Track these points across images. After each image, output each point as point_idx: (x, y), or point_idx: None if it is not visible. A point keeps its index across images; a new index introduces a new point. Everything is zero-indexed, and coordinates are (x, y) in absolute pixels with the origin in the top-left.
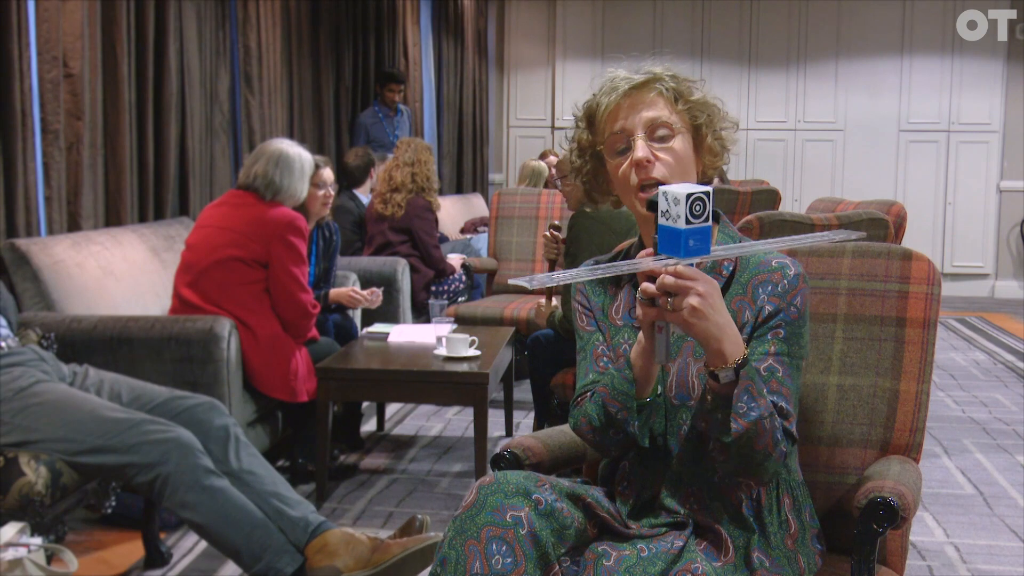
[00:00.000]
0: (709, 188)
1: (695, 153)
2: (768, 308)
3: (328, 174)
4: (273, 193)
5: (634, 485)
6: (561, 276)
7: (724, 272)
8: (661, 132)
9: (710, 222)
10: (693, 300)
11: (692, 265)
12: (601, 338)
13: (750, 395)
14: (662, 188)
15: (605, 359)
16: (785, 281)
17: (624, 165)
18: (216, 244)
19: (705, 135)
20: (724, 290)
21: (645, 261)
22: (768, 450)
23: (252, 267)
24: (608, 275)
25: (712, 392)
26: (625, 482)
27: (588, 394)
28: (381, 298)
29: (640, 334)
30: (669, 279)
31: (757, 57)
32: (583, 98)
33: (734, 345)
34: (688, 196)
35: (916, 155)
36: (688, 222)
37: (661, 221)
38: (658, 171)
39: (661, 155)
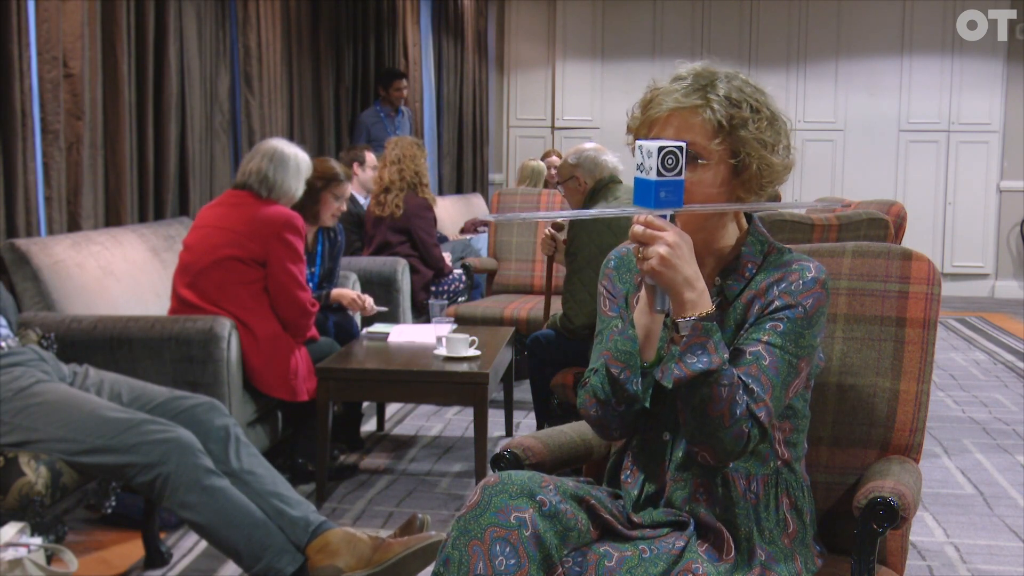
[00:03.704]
0: (683, 143)
1: (727, 183)
2: (777, 303)
3: (348, 189)
4: (268, 190)
5: (637, 477)
6: (526, 215)
7: (747, 274)
8: (694, 152)
9: (682, 176)
10: (661, 249)
11: (666, 217)
12: (620, 324)
13: (704, 349)
14: (638, 141)
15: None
16: (800, 282)
17: None
18: (214, 244)
19: (743, 169)
20: (743, 289)
21: (621, 209)
22: (723, 420)
23: (250, 266)
24: (583, 217)
25: (673, 343)
26: (628, 471)
27: (595, 370)
28: (374, 309)
29: (643, 291)
30: (639, 228)
31: (757, 57)
32: (584, 98)
33: (701, 298)
34: (660, 149)
35: (916, 155)
36: (659, 174)
37: (637, 174)
38: None
39: (687, 177)
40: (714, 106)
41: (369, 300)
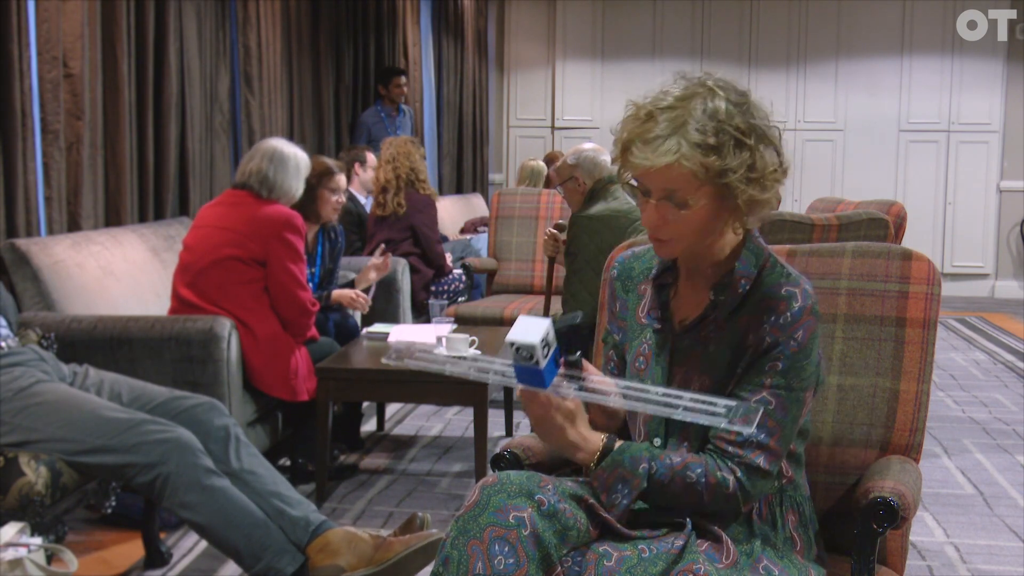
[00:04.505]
0: (537, 341)
1: (719, 211)
2: (768, 339)
3: (342, 180)
4: (268, 190)
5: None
6: (419, 360)
7: (740, 290)
8: (677, 200)
9: (540, 365)
10: (530, 420)
11: (549, 389)
12: (612, 342)
13: (621, 481)
14: (509, 335)
15: (612, 364)
16: (788, 314)
17: (642, 209)
18: (214, 244)
19: (731, 200)
20: (737, 308)
21: (502, 376)
22: (695, 500)
23: (250, 266)
24: (468, 375)
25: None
26: None
27: None
28: (369, 303)
29: None
30: (516, 393)
31: (757, 57)
32: (584, 98)
33: (586, 452)
34: (511, 344)
35: (916, 155)
36: (515, 361)
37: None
38: (666, 234)
39: (672, 219)
40: (685, 162)
41: (364, 296)
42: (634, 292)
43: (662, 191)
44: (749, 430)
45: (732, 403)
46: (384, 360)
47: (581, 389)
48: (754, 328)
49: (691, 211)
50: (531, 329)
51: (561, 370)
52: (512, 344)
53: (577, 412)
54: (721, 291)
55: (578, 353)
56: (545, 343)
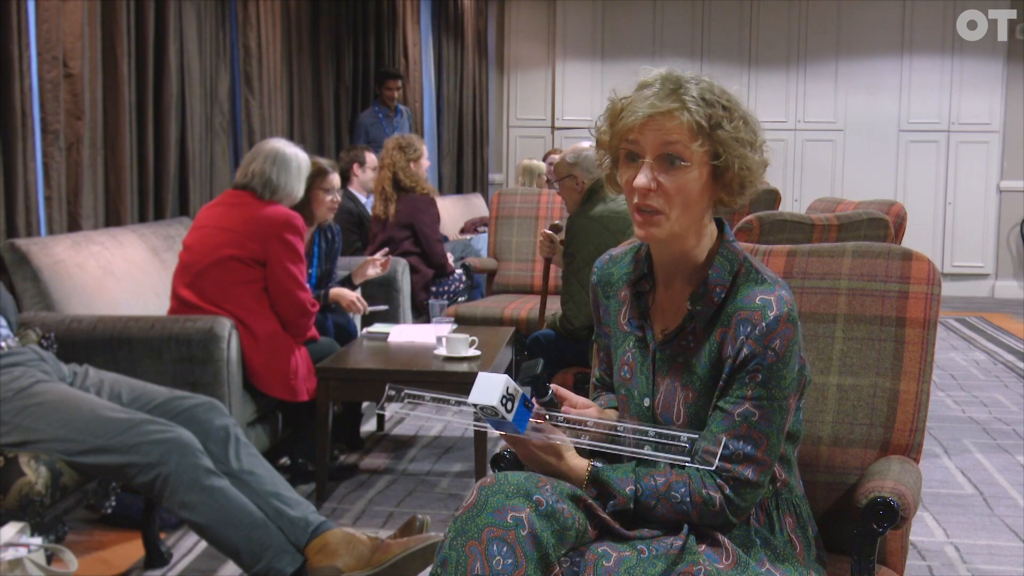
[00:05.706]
0: (496, 402)
1: (708, 187)
2: (745, 351)
3: (336, 179)
4: (271, 192)
5: None
6: (408, 406)
7: (716, 299)
8: (672, 159)
9: (508, 418)
10: (519, 456)
11: (527, 433)
12: (602, 344)
13: (609, 496)
14: (471, 397)
15: (604, 365)
16: (764, 324)
17: (629, 178)
18: (214, 244)
19: (724, 171)
20: (714, 318)
21: (472, 424)
22: (689, 518)
23: (250, 266)
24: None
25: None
26: None
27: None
28: (368, 310)
29: None
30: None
31: (757, 57)
32: (584, 98)
33: (575, 477)
34: (475, 405)
35: (916, 155)
36: (484, 417)
37: None
38: (657, 201)
39: (666, 183)
40: (691, 107)
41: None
42: (615, 298)
43: (659, 145)
44: (710, 468)
45: (695, 435)
46: (378, 410)
47: (559, 424)
48: (731, 340)
49: (685, 171)
50: (490, 388)
51: (537, 408)
52: (475, 404)
53: (561, 445)
54: (697, 300)
55: (550, 393)
56: (506, 398)
